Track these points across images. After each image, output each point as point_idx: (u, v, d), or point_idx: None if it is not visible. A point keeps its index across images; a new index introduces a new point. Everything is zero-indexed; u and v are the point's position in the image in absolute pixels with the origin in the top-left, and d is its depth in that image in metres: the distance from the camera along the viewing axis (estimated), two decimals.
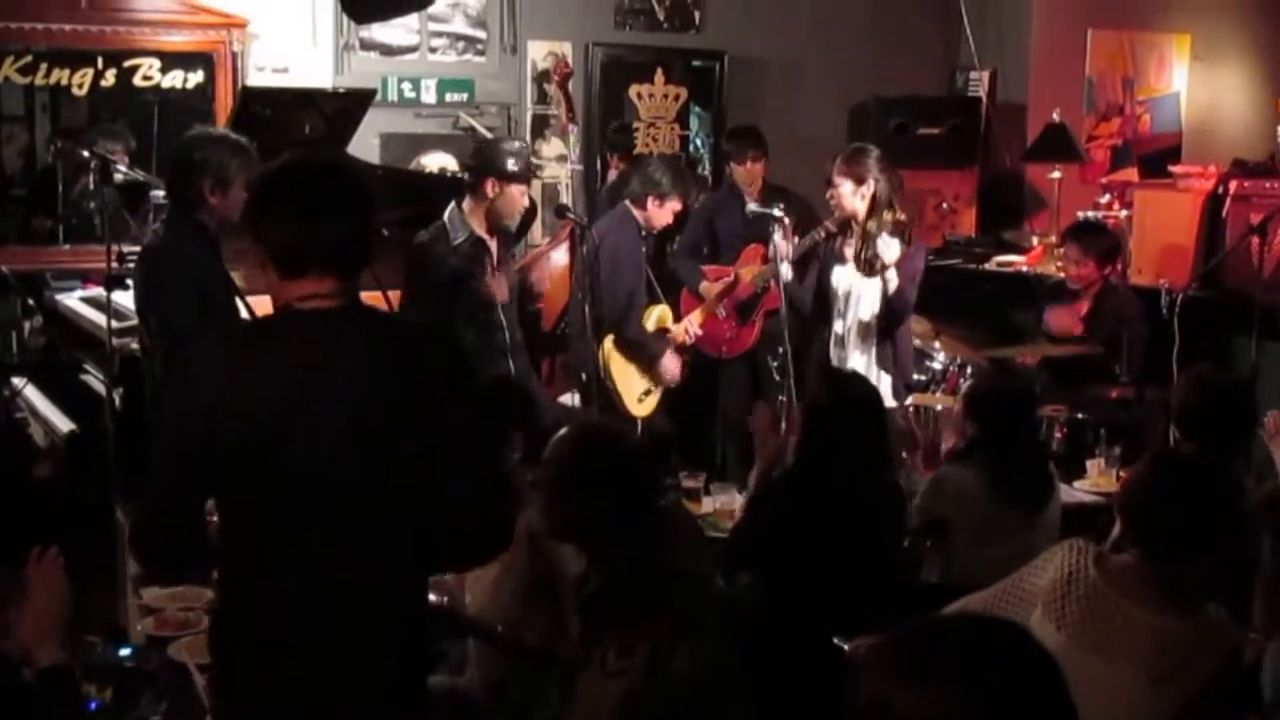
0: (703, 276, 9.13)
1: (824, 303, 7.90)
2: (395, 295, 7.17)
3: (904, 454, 7.19)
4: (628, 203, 8.66)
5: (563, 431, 4.50)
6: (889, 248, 7.67)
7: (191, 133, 6.73)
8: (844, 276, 7.83)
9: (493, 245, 7.54)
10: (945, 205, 11.47)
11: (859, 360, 7.78)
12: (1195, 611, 3.98)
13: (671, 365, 8.64)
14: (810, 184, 9.10)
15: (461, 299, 7.36)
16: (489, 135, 10.78)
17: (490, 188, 7.43)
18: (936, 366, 8.31)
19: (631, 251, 8.45)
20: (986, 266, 10.68)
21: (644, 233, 8.65)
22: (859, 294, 7.79)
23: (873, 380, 7.43)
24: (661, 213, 8.58)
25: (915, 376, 8.13)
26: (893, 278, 7.62)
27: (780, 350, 7.81)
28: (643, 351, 8.53)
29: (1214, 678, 3.94)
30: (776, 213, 7.81)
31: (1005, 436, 5.97)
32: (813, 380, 7.45)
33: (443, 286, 7.37)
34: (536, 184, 10.44)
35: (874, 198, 7.67)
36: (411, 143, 11.08)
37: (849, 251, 7.82)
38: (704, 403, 9.28)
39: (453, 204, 7.54)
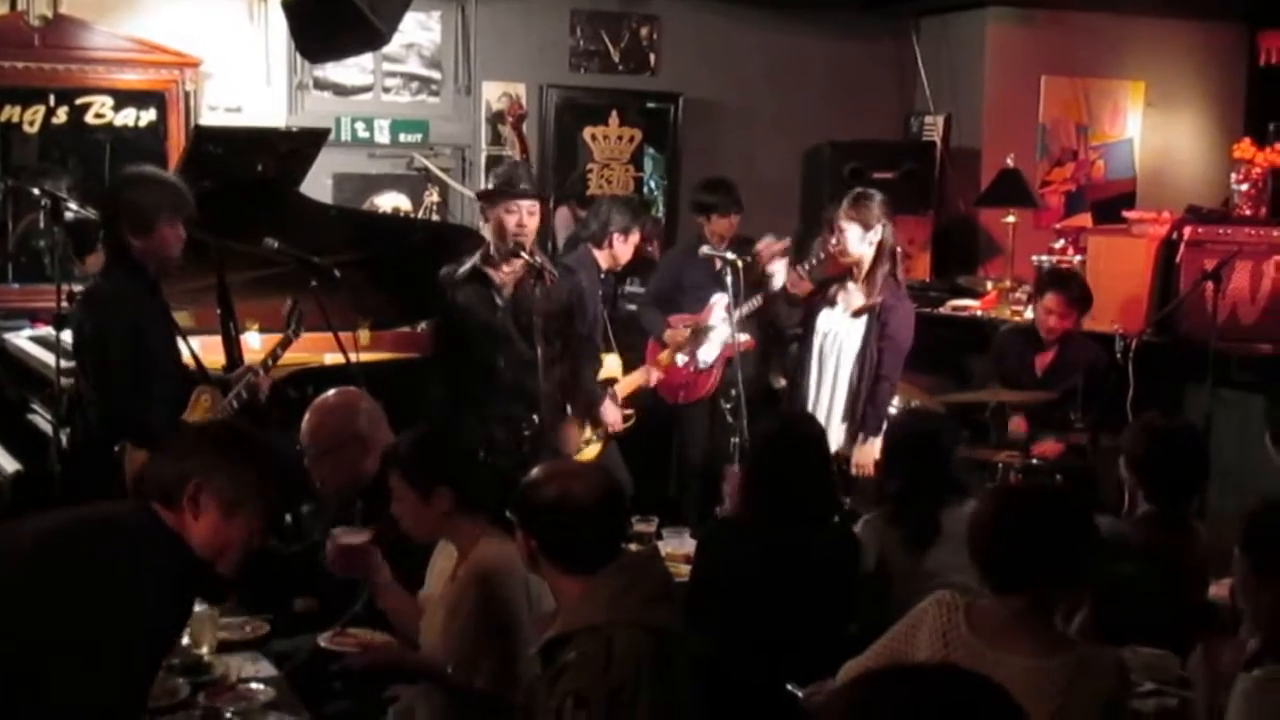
0: (667, 325, 9.12)
1: (803, 346, 7.94)
2: (347, 337, 7.12)
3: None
4: (589, 245, 8.64)
5: (539, 471, 4.46)
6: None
7: (117, 177, 6.70)
8: (830, 321, 7.89)
9: (499, 275, 7.23)
10: (900, 250, 11.47)
11: (839, 406, 7.81)
12: (1065, 650, 3.95)
13: (611, 414, 8.39)
14: (764, 227, 9.11)
15: (463, 335, 7.24)
16: (443, 176, 10.77)
17: (484, 216, 7.22)
18: (891, 411, 8.31)
19: (589, 296, 8.37)
20: (941, 311, 10.73)
21: (603, 274, 8.64)
22: (842, 340, 7.83)
23: (849, 424, 7.70)
24: (625, 247, 8.66)
25: None
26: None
27: (734, 393, 7.77)
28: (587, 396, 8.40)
29: (1105, 707, 3.90)
30: (730, 255, 7.78)
31: (915, 481, 5.98)
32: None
33: (443, 321, 7.28)
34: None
35: (881, 244, 7.69)
36: (365, 183, 11.06)
37: (840, 296, 7.85)
38: (659, 447, 9.23)
39: None
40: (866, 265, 7.74)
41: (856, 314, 7.80)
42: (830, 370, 7.85)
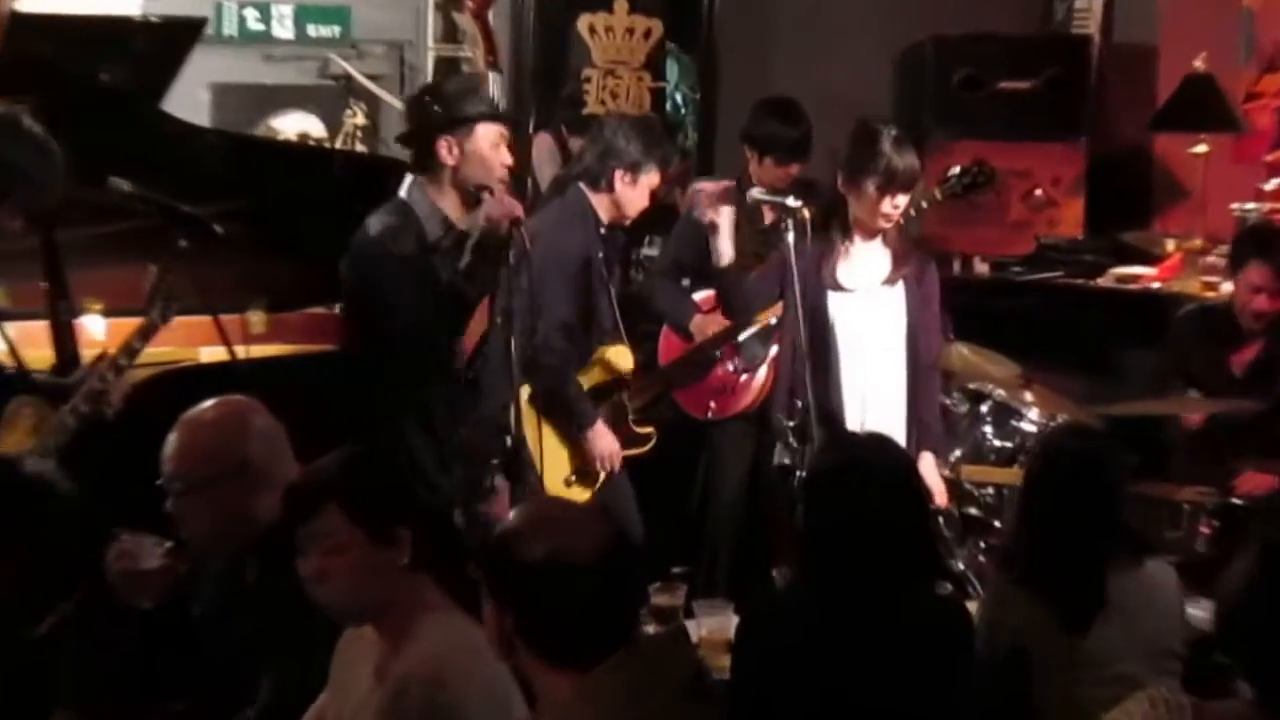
0: (695, 309, 9.04)
1: (823, 345, 7.83)
2: (231, 320, 7.09)
3: None
4: (583, 186, 8.50)
5: (521, 516, 4.44)
6: None
7: None
8: (850, 307, 7.85)
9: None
10: (1039, 194, 11.45)
11: (894, 416, 7.82)
12: None
13: (604, 445, 8.39)
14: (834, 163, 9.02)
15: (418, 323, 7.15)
16: (371, 87, 10.75)
17: (446, 150, 7.14)
18: (1027, 428, 8.28)
19: (577, 258, 8.26)
20: (1100, 282, 10.78)
21: (603, 229, 8.50)
22: (879, 324, 7.85)
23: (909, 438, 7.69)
24: (635, 192, 8.42)
25: (998, 442, 8.08)
26: None
27: (799, 405, 7.65)
28: (570, 414, 8.30)
29: None
30: (792, 202, 7.68)
31: (1071, 532, 5.89)
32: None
33: (390, 300, 7.19)
34: None
35: None
36: (259, 97, 11.10)
37: (842, 274, 7.82)
38: (685, 481, 9.18)
39: (410, 181, 7.30)
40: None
41: (888, 282, 7.85)
42: (868, 369, 7.87)
